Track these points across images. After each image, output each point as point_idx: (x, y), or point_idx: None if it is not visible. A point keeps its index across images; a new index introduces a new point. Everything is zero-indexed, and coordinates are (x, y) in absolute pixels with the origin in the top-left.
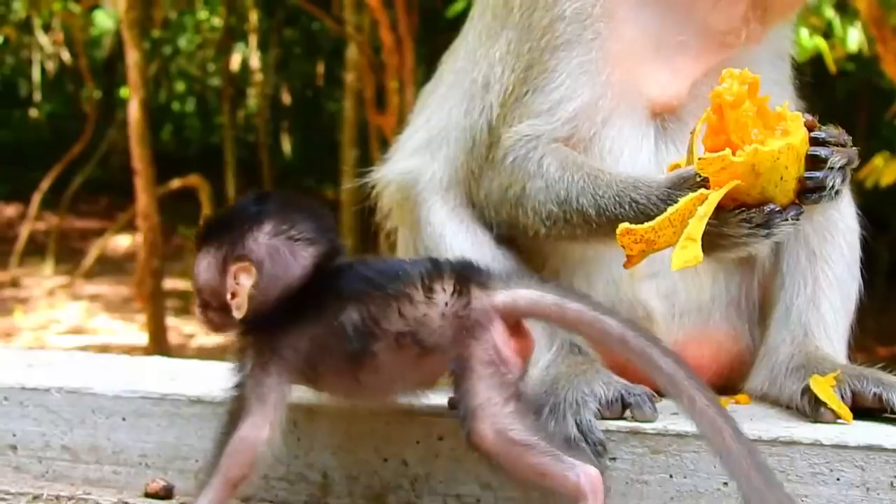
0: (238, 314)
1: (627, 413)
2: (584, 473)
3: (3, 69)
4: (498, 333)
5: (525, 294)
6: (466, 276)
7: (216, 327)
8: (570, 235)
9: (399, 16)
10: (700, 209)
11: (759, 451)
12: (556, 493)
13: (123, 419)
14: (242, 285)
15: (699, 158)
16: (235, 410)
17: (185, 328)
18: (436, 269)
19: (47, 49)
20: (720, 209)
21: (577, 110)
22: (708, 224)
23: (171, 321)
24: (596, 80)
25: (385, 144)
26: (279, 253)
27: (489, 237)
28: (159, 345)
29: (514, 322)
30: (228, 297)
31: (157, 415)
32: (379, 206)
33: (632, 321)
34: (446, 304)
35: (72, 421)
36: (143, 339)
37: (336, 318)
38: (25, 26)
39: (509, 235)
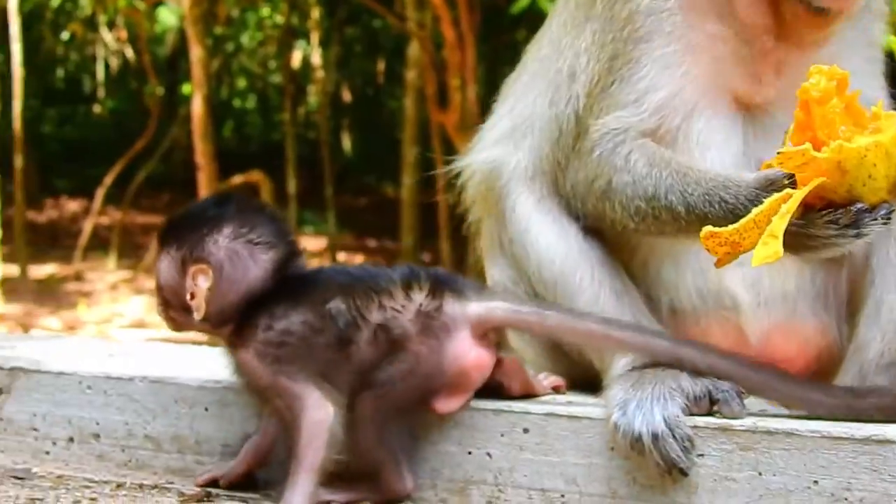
0: (197, 315)
1: (715, 409)
2: (402, 484)
3: (68, 66)
4: (463, 339)
5: (501, 305)
6: (442, 283)
7: (177, 325)
8: (659, 231)
9: (461, 13)
10: (783, 206)
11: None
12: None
13: (206, 409)
14: (200, 287)
15: (778, 153)
16: (284, 403)
17: None
18: (414, 273)
19: (111, 46)
20: (807, 209)
21: (663, 101)
22: (795, 225)
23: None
24: (678, 72)
25: (446, 142)
26: (238, 256)
27: (576, 228)
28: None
29: (483, 334)
30: (188, 297)
31: (240, 405)
32: (462, 197)
33: (616, 321)
34: (421, 304)
35: (155, 410)
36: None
37: (324, 303)
38: (90, 23)
39: (596, 227)
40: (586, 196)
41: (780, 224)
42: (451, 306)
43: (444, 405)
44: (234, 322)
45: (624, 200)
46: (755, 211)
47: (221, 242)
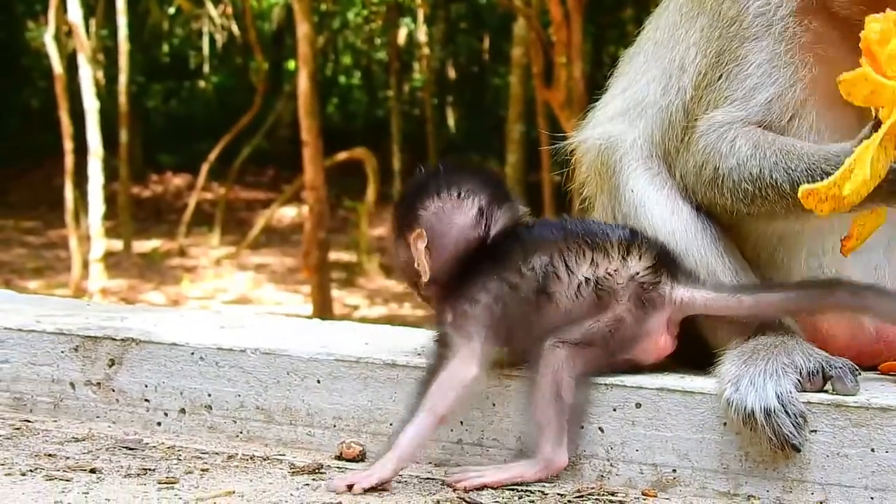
0: (425, 277)
1: (829, 386)
2: (559, 455)
3: (173, 41)
4: (662, 320)
5: (703, 294)
6: (663, 258)
7: (426, 299)
8: (769, 213)
9: None
10: (869, 139)
11: None
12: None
13: (318, 381)
14: (419, 250)
15: (839, 81)
16: (442, 351)
17: (349, 299)
18: (634, 237)
19: (217, 21)
20: None
21: (772, 98)
22: None
23: (335, 293)
24: (787, 73)
25: (552, 120)
26: (443, 212)
27: (689, 207)
28: (324, 315)
29: (678, 320)
30: (416, 265)
31: (352, 377)
32: (576, 172)
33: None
34: (637, 272)
35: (266, 382)
36: (307, 309)
37: (526, 260)
38: None
39: (711, 211)
40: (696, 185)
41: (864, 154)
42: (666, 284)
43: (641, 355)
44: (455, 279)
45: (731, 185)
46: (848, 160)
47: (428, 205)
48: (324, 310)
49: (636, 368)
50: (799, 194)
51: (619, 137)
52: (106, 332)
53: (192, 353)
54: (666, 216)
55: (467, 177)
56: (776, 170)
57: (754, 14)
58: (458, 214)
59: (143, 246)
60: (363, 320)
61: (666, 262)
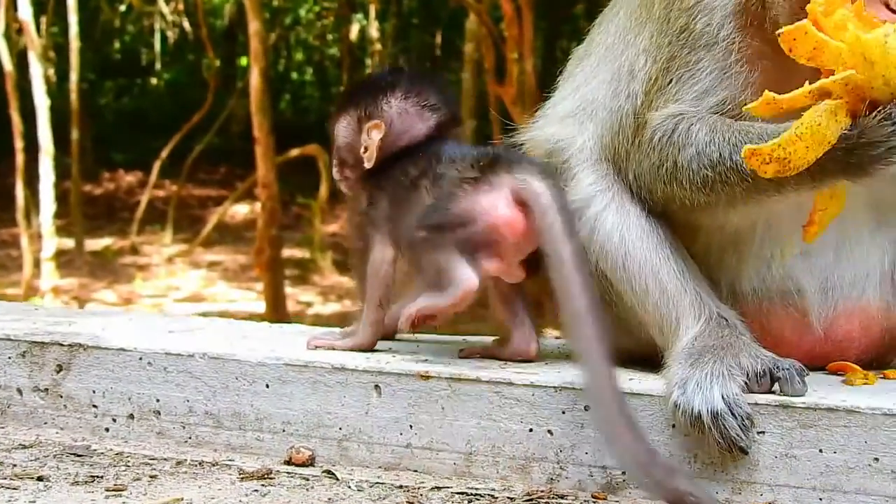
0: (368, 164)
1: (776, 387)
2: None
3: (125, 38)
4: (498, 197)
5: (536, 185)
6: (502, 158)
7: (349, 184)
8: (730, 198)
9: None
10: (808, 88)
11: (628, 404)
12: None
13: (267, 386)
14: (373, 139)
15: (779, 34)
16: (362, 244)
17: (303, 296)
18: (485, 149)
19: (168, 17)
20: (855, 117)
21: (721, 102)
22: (849, 139)
23: (288, 290)
24: (736, 81)
25: (505, 114)
26: (406, 114)
27: (638, 209)
28: (277, 313)
29: (522, 202)
30: (362, 150)
31: (301, 382)
32: None
33: (584, 264)
34: (481, 164)
35: (215, 387)
36: (260, 307)
37: (416, 160)
38: None
39: (663, 211)
40: (653, 183)
41: (810, 117)
42: (502, 172)
43: (488, 264)
44: (377, 173)
45: (691, 175)
46: (796, 123)
47: (393, 102)
48: (277, 307)
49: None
50: (742, 153)
51: (567, 139)
52: (53, 337)
53: (140, 359)
54: (612, 217)
55: (435, 91)
56: (736, 151)
57: (701, 28)
58: (417, 122)
59: (95, 244)
60: (317, 317)
61: (507, 157)
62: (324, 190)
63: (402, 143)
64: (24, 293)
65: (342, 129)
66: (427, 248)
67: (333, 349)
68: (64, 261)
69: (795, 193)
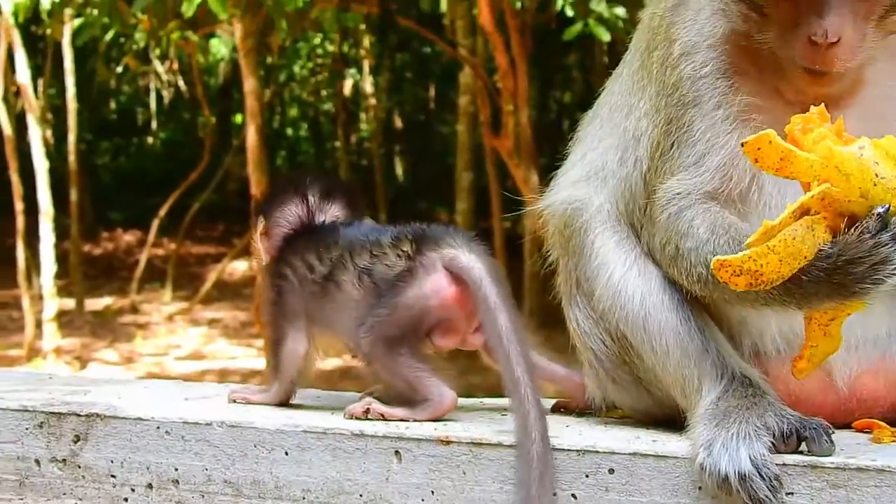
0: (263, 260)
1: (803, 447)
2: (445, 394)
3: (121, 98)
4: (439, 277)
5: (465, 258)
6: (426, 235)
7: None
8: (721, 299)
9: (512, 38)
10: (788, 209)
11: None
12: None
13: (286, 453)
14: (257, 236)
15: (742, 144)
16: (274, 330)
17: None
18: (403, 230)
19: (164, 77)
20: (835, 234)
21: (723, 162)
22: (829, 257)
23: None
24: (734, 135)
25: (501, 167)
26: (276, 202)
27: (657, 270)
28: None
29: (457, 276)
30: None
31: (320, 449)
32: (545, 237)
33: (519, 330)
34: (404, 250)
35: (233, 455)
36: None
37: (327, 250)
38: (143, 55)
39: None
40: (661, 259)
41: (782, 229)
42: (429, 250)
43: (442, 341)
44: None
45: (688, 266)
46: (770, 238)
47: (267, 201)
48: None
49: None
50: (711, 265)
51: (584, 200)
52: (70, 407)
53: (158, 428)
54: (632, 278)
55: (301, 178)
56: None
57: (687, 78)
58: (287, 205)
59: (95, 304)
60: (319, 373)
61: (428, 237)
62: None
63: (282, 226)
64: (27, 354)
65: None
66: (383, 357)
67: (249, 402)
68: (65, 321)
69: (783, 311)
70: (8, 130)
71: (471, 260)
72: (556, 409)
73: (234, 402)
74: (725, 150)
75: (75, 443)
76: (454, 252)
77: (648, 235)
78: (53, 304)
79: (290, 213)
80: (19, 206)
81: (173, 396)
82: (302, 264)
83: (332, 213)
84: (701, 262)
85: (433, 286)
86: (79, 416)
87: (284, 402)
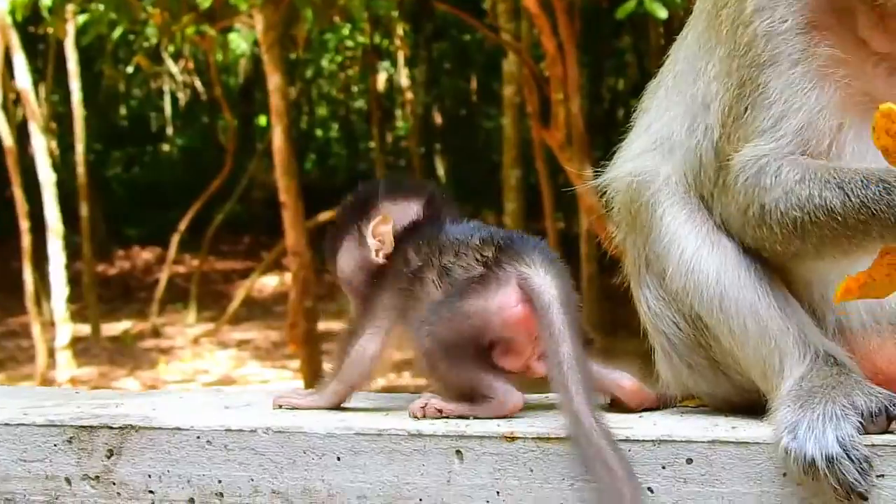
0: (382, 256)
1: (894, 426)
2: (511, 395)
3: (132, 102)
4: (510, 294)
5: (539, 280)
6: (510, 247)
7: (357, 295)
8: (820, 241)
9: (560, 21)
10: None
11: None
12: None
13: (338, 458)
14: (385, 232)
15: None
16: (353, 328)
17: None
18: (493, 234)
19: (178, 78)
20: None
21: (802, 124)
22: None
23: (326, 366)
24: (812, 94)
25: (552, 163)
26: (401, 206)
27: (733, 244)
28: None
29: (528, 297)
30: (373, 254)
31: (374, 452)
32: (610, 214)
33: (582, 363)
34: (485, 255)
35: (281, 463)
36: (298, 385)
37: (419, 247)
38: (154, 55)
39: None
40: (743, 228)
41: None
42: (508, 264)
43: (503, 361)
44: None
45: (780, 217)
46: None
47: (385, 200)
48: (315, 385)
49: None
50: (807, 208)
51: (651, 171)
52: (101, 420)
53: (198, 437)
54: (705, 255)
55: (408, 186)
56: (827, 187)
57: (762, 35)
58: (409, 210)
59: (112, 328)
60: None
61: (513, 246)
62: None
63: (405, 231)
64: (40, 385)
65: (345, 256)
66: (441, 360)
67: (297, 407)
68: (80, 348)
69: (881, 240)
70: (9, 141)
71: (544, 283)
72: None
73: (280, 407)
74: (804, 111)
75: (108, 457)
76: (530, 271)
77: (722, 206)
78: (66, 330)
79: (412, 210)
80: (25, 224)
81: (213, 405)
82: (400, 258)
83: (424, 202)
84: (794, 206)
85: (500, 302)
86: (111, 428)
87: (336, 406)
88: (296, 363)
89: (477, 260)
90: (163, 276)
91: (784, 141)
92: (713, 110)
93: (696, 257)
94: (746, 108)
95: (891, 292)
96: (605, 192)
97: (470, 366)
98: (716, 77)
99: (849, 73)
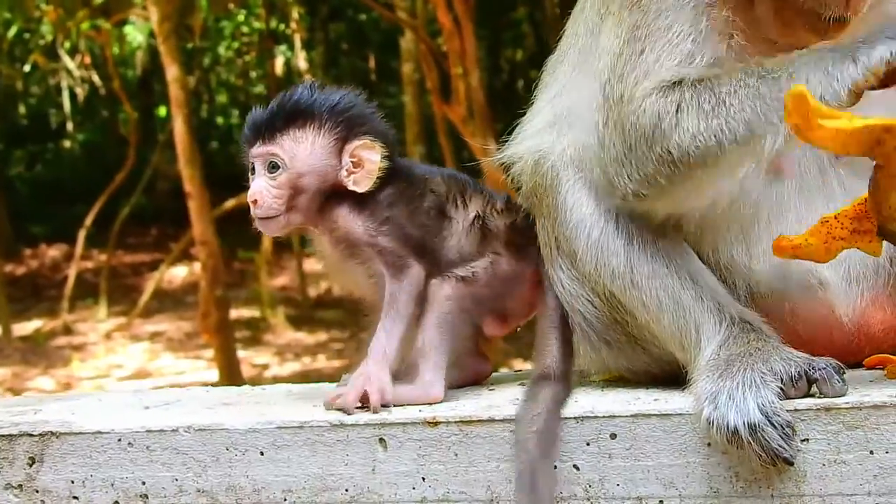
0: (362, 187)
1: (814, 389)
2: (436, 386)
3: (30, 100)
4: (530, 271)
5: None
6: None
7: (291, 221)
8: (715, 162)
9: None
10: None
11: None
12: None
13: (261, 453)
14: (370, 160)
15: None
16: (390, 261)
17: (257, 358)
18: (514, 203)
19: (76, 73)
20: None
21: (713, 61)
22: None
23: (241, 353)
24: (714, 39)
25: (455, 137)
26: (384, 132)
27: (641, 222)
28: (232, 380)
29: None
30: (342, 175)
31: (298, 445)
32: (517, 192)
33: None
34: (516, 220)
35: (204, 461)
36: (213, 375)
37: (426, 187)
38: (50, 51)
39: (650, 217)
40: (644, 161)
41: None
42: (534, 246)
43: (492, 328)
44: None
45: (689, 128)
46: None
47: (370, 119)
48: (231, 373)
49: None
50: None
51: (547, 150)
52: (21, 428)
53: (120, 440)
54: (609, 232)
55: (377, 117)
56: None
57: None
58: (390, 137)
59: (23, 328)
60: (275, 379)
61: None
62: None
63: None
64: None
65: (305, 149)
66: (460, 315)
67: (401, 402)
68: None
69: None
70: None
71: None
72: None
73: (375, 412)
74: (712, 52)
75: (31, 465)
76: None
77: (616, 147)
78: None
79: (389, 136)
80: None
81: (132, 406)
82: (415, 192)
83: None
84: (704, 115)
85: (528, 267)
86: (31, 436)
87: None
88: (210, 353)
89: (508, 225)
90: (71, 273)
91: (701, 67)
92: (604, 59)
93: (603, 237)
94: (643, 50)
95: (827, 260)
96: (508, 168)
97: (462, 332)
98: (610, 31)
99: (742, 43)
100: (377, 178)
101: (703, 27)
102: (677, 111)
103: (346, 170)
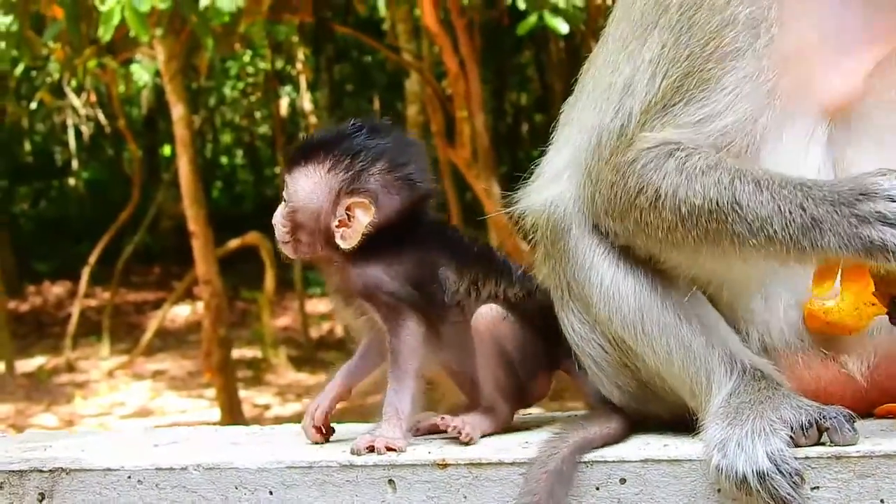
0: (346, 244)
1: (825, 438)
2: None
3: (35, 138)
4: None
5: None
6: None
7: (296, 250)
8: (704, 235)
9: (460, 38)
10: None
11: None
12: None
13: (270, 493)
14: (358, 220)
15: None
16: (391, 316)
17: (259, 398)
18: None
19: (81, 111)
20: None
21: (734, 124)
22: None
23: (243, 393)
24: (761, 90)
25: (459, 179)
26: (391, 189)
27: (649, 269)
28: (233, 419)
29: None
30: (334, 224)
31: (307, 484)
32: (525, 233)
33: None
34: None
35: (213, 500)
36: (214, 414)
37: (437, 267)
38: (57, 89)
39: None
40: (624, 214)
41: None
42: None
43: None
44: (369, 251)
45: (676, 202)
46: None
47: (378, 176)
48: (233, 413)
49: None
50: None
51: (561, 197)
52: (31, 463)
53: (129, 477)
54: (620, 280)
55: (415, 158)
56: (740, 179)
57: (741, 26)
58: (398, 198)
59: (26, 365)
60: (277, 420)
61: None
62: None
63: (387, 219)
64: None
65: (307, 187)
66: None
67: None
68: None
69: (769, 247)
70: None
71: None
72: None
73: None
74: (742, 110)
75: (40, 501)
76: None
77: (604, 186)
78: None
79: (390, 199)
80: None
81: (141, 444)
82: (421, 269)
83: (413, 196)
84: (696, 194)
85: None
86: (42, 472)
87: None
88: (212, 392)
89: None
90: (75, 311)
91: (704, 135)
92: (638, 95)
93: (614, 284)
94: (680, 101)
95: (859, 329)
96: (520, 216)
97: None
98: (651, 62)
99: (811, 62)
100: (394, 231)
101: (762, 66)
102: (665, 170)
103: (339, 220)
